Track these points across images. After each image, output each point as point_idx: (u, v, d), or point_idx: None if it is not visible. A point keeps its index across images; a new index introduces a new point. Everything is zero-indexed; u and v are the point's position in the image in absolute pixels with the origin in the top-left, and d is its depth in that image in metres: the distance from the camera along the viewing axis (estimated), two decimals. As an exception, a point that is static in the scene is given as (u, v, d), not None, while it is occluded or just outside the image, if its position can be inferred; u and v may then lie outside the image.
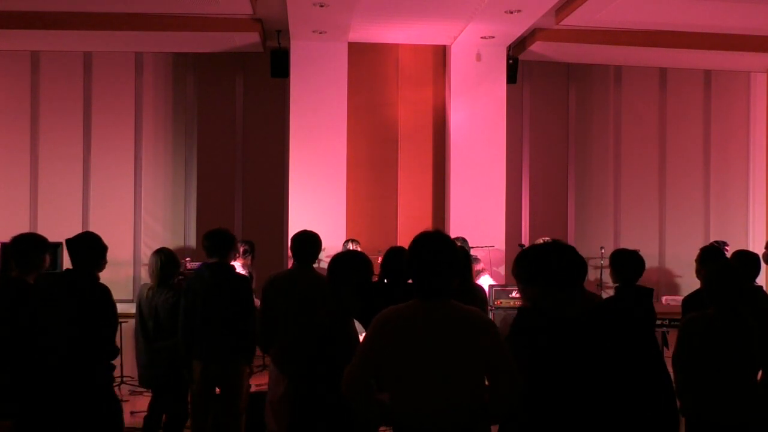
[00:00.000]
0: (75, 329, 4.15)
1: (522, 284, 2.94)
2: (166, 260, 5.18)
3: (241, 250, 7.77)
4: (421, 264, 2.81)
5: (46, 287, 4.29)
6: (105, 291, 4.32)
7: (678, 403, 3.93)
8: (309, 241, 4.95)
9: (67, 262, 4.44)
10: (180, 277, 5.28)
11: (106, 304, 4.30)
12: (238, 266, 7.21)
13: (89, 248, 4.34)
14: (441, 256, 2.80)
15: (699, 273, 4.62)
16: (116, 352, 4.43)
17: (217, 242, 4.99)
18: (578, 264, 2.87)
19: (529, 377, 2.77)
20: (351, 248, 8.35)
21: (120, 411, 4.54)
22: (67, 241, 4.35)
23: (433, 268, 2.79)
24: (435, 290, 2.79)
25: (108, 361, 4.36)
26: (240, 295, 4.94)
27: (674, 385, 3.87)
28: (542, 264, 2.86)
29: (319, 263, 5.14)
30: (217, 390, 5.07)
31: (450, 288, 2.82)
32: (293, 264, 5.06)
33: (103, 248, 4.39)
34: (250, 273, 7.57)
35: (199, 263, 8.14)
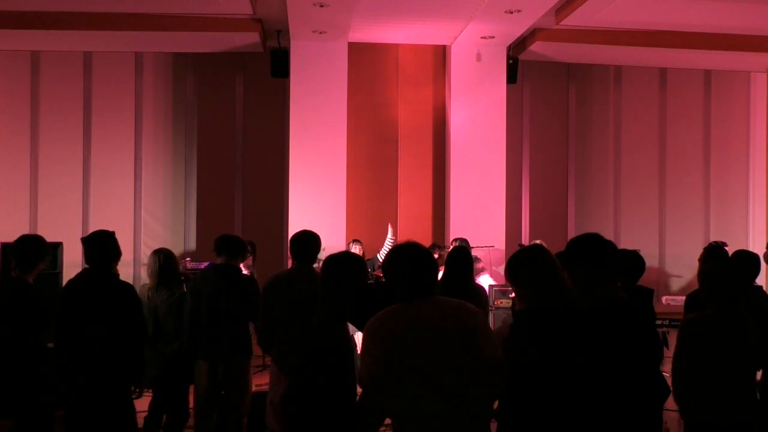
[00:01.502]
0: (105, 328, 4.13)
1: (516, 287, 2.95)
2: (165, 260, 5.20)
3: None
4: (400, 270, 2.90)
5: (77, 286, 4.27)
6: (131, 289, 4.32)
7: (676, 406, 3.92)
8: (309, 241, 4.95)
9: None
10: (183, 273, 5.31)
11: (131, 303, 4.28)
12: (240, 266, 7.21)
13: (111, 246, 4.32)
14: (419, 260, 2.91)
15: (702, 273, 4.62)
16: (141, 364, 4.33)
17: (226, 243, 5.06)
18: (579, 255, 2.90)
19: (529, 378, 2.77)
20: (353, 249, 8.38)
21: (133, 413, 4.50)
22: (84, 239, 4.33)
23: (414, 273, 2.88)
24: (418, 291, 2.87)
25: (133, 374, 4.29)
26: (246, 296, 4.97)
27: (673, 386, 3.85)
28: (535, 264, 2.90)
29: (318, 263, 5.14)
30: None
31: (432, 289, 2.90)
32: (293, 264, 5.06)
33: (118, 246, 4.39)
34: (251, 273, 7.57)
35: (199, 263, 8.17)
